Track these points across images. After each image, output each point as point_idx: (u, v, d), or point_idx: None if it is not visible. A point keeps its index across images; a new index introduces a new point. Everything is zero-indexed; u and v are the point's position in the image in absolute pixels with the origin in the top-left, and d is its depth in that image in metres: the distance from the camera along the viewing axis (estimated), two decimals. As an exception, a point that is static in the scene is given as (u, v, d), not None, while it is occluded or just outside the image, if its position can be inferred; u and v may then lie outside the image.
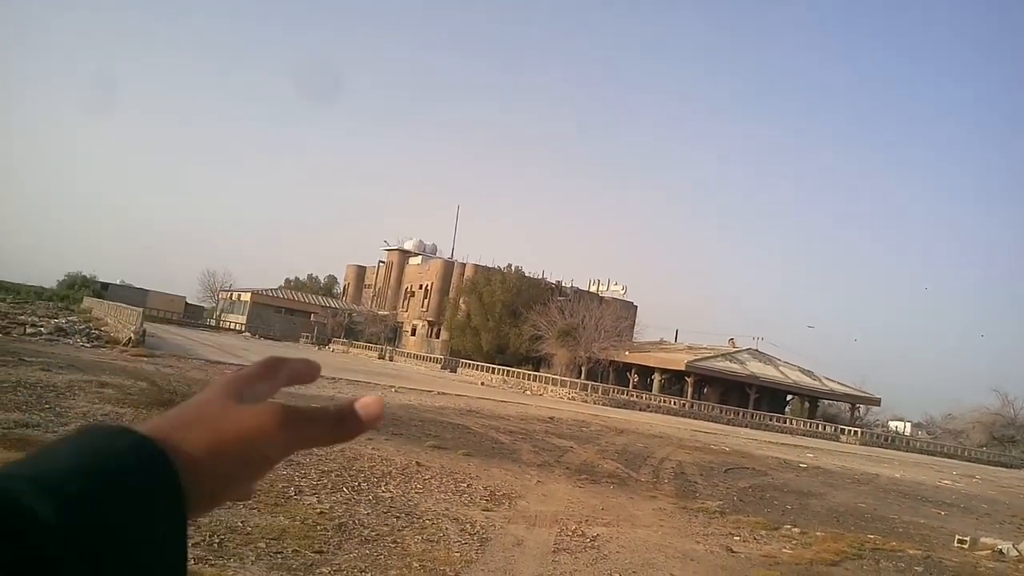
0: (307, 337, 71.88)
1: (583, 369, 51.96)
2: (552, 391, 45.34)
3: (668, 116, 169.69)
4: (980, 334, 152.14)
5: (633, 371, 56.97)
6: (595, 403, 42.47)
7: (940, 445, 52.95)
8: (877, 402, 60.16)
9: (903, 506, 16.12)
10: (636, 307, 69.90)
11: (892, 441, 51.11)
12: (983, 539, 12.00)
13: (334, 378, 26.55)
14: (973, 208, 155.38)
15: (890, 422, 66.56)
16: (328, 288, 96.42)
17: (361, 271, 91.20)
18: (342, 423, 0.52)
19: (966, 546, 11.40)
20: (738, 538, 9.44)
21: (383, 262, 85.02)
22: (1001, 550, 11.27)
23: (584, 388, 45.76)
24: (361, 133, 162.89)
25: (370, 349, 65.02)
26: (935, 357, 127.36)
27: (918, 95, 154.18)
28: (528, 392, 44.62)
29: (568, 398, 43.38)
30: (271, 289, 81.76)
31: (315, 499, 7.75)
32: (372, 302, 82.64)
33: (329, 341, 70.85)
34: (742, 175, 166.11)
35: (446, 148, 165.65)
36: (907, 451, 47.00)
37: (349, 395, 0.56)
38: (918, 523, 13.63)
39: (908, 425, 66.35)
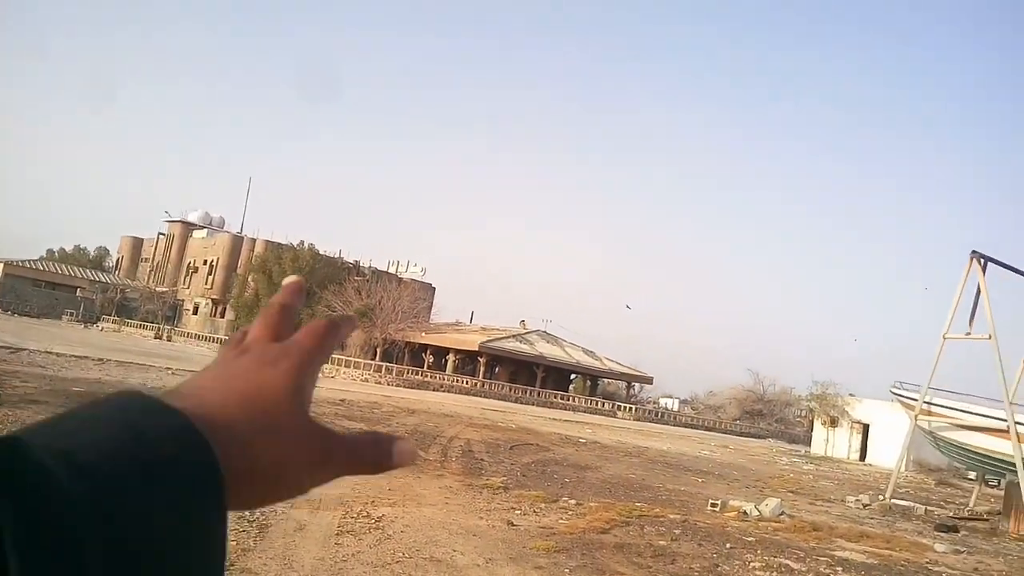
0: (72, 314, 65.15)
1: (378, 350, 51.57)
2: (345, 373, 44.67)
3: (468, 93, 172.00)
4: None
5: (428, 352, 57.45)
6: (389, 384, 42.39)
7: (702, 419, 58.53)
8: (650, 380, 65.40)
9: (667, 475, 17.67)
10: (434, 288, 70.49)
11: (662, 416, 55.80)
12: (731, 502, 13.47)
13: (101, 359, 24.39)
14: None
15: (661, 399, 72.51)
16: (98, 261, 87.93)
17: (138, 243, 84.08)
18: (378, 465, 0.48)
19: (717, 509, 12.75)
20: (519, 512, 9.88)
21: (163, 234, 78.85)
22: (745, 511, 12.74)
23: (379, 369, 45.50)
24: (140, 89, 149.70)
25: (146, 328, 60.27)
26: (700, 340, 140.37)
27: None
28: (320, 374, 43.54)
29: (362, 380, 42.94)
30: (29, 260, 72.93)
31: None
32: (149, 277, 76.54)
33: (98, 319, 64.80)
34: (540, 160, 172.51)
35: (240, 113, 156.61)
36: (675, 425, 51.51)
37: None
38: (679, 490, 15.01)
39: (676, 401, 72.65)
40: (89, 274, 75.37)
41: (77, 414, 0.37)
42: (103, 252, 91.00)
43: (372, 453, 0.48)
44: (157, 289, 71.80)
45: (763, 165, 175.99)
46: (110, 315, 66.20)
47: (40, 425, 0.35)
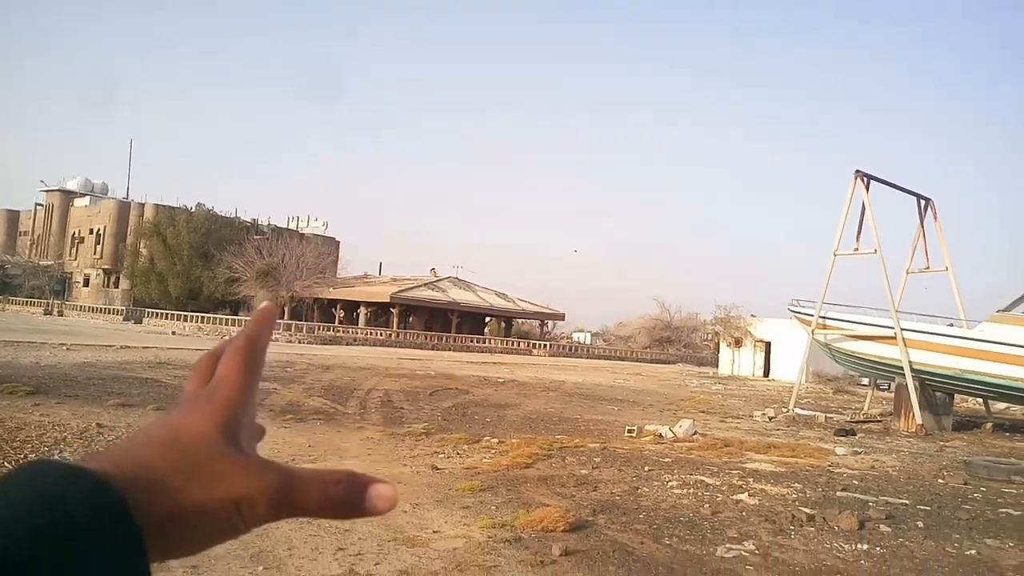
0: (-56, 296, 60.79)
1: (286, 309, 50.37)
2: (254, 334, 43.50)
3: (375, 41, 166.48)
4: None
5: (339, 307, 56.58)
6: (300, 342, 41.60)
7: (614, 350, 60.19)
8: (562, 317, 66.56)
9: (584, 407, 18.11)
10: (339, 243, 69.04)
11: (576, 351, 57.11)
12: (647, 427, 13.95)
13: (-14, 341, 22.87)
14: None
15: (574, 334, 74.03)
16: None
17: (13, 216, 78.56)
18: (344, 506, 0.43)
19: (634, 434, 13.18)
20: (442, 455, 9.93)
21: (41, 205, 73.87)
22: (661, 434, 13.22)
23: (288, 328, 44.53)
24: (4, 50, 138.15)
25: (33, 305, 56.90)
26: (608, 273, 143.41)
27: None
28: (226, 338, 42.19)
29: (271, 339, 41.90)
30: None
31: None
32: (31, 251, 71.84)
33: (-23, 299, 60.66)
34: (445, 110, 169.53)
35: (112, 71, 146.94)
36: (588, 358, 52.79)
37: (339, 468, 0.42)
38: (597, 420, 15.42)
39: (588, 335, 74.35)
40: (-37, 253, 70.20)
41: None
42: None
43: (339, 494, 0.43)
44: (41, 263, 67.61)
45: (652, 89, 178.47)
46: (-9, 294, 62.11)
47: None
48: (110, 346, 25.38)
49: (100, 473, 0.37)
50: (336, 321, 54.67)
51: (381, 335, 48.46)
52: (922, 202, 20.72)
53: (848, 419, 18.90)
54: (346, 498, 0.43)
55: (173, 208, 59.92)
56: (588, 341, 69.16)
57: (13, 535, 0.32)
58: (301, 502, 0.42)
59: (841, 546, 6.65)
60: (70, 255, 69.35)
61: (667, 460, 10.65)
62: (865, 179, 19.26)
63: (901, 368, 17.87)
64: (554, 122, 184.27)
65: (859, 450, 13.22)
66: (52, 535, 0.33)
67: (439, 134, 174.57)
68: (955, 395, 18.83)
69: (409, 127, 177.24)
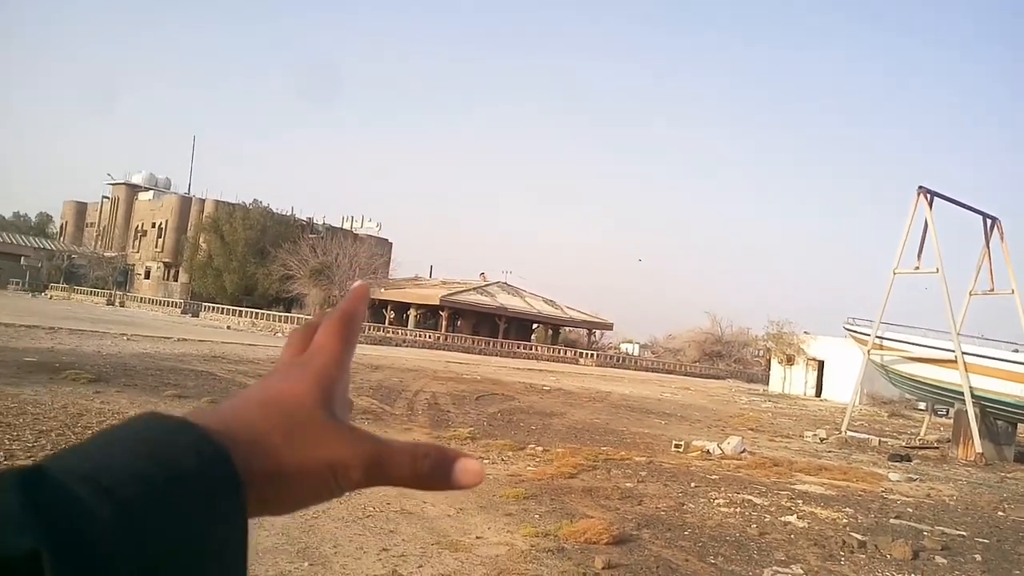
0: (17, 284, 63.20)
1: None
2: (305, 332, 44.21)
3: (430, 50, 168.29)
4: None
5: (389, 307, 57.19)
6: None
7: (662, 363, 59.52)
8: (610, 326, 66.18)
9: (631, 419, 17.96)
10: (391, 244, 69.84)
11: (623, 361, 56.65)
12: (695, 442, 13.76)
13: (53, 328, 23.74)
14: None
15: (622, 344, 73.51)
16: (41, 227, 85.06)
17: (82, 208, 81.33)
18: (431, 478, 0.45)
19: (681, 449, 13.01)
20: (487, 460, 9.95)
21: (107, 198, 76.40)
22: (708, 450, 13.03)
23: (338, 327, 45.08)
24: (75, 50, 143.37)
25: (96, 295, 58.79)
26: (659, 285, 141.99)
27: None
28: (279, 335, 43.05)
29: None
30: (-35, 229, 70.18)
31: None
32: (96, 243, 74.34)
33: (46, 287, 62.96)
34: (499, 116, 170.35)
35: (181, 74, 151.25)
36: (636, 370, 52.34)
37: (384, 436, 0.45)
38: (643, 433, 15.27)
39: (636, 346, 73.73)
40: (33, 241, 72.90)
41: (95, 439, 0.37)
42: (45, 218, 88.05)
43: (427, 468, 0.45)
44: (105, 254, 69.89)
45: (714, 113, 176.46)
46: (58, 283, 64.35)
47: (61, 452, 0.36)
48: (168, 338, 26.07)
49: (205, 427, 0.39)
50: (386, 322, 55.27)
51: (430, 337, 48.79)
52: (988, 221, 20.03)
53: (903, 444, 18.35)
54: (433, 471, 0.44)
55: (232, 205, 61.34)
56: (636, 352, 68.58)
57: (121, 479, 0.34)
58: (391, 472, 0.44)
59: (893, 575, 6.45)
60: (133, 247, 71.56)
61: (714, 477, 10.49)
62: (928, 196, 18.72)
63: (961, 393, 17.28)
64: (616, 134, 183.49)
65: (914, 477, 12.83)
66: (157, 481, 0.34)
67: (495, 140, 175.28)
68: (1018, 424, 18.12)
69: (468, 131, 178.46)
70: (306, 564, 5.08)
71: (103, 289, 61.61)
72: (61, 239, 79.03)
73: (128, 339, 23.47)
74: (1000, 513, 10.23)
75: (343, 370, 0.48)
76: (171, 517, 0.34)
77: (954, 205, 19.53)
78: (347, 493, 0.45)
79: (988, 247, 20.17)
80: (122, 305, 55.22)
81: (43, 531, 0.30)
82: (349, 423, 0.46)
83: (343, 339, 0.48)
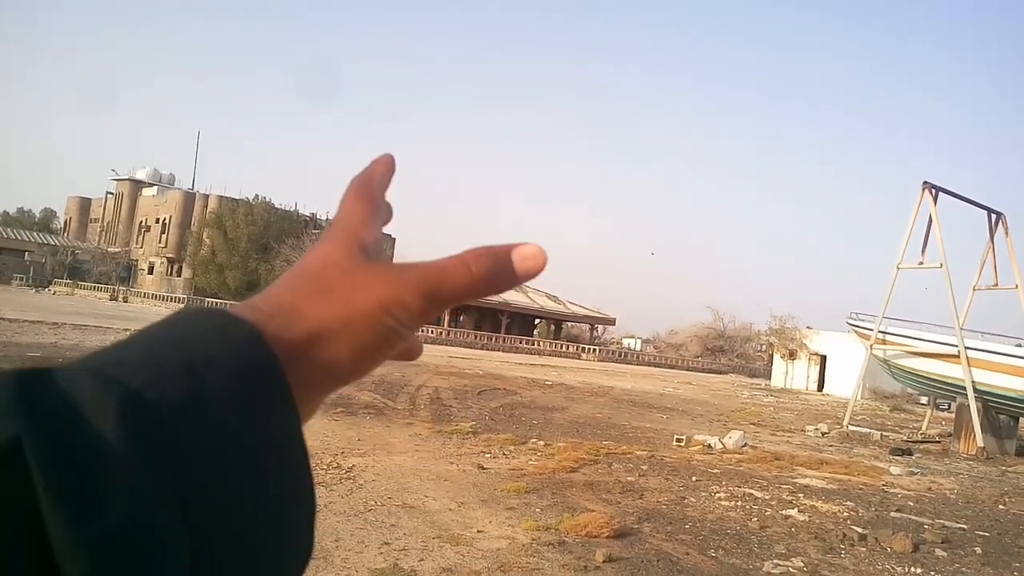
0: (21, 279, 63.34)
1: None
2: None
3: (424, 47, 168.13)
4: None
5: (391, 303, 57.12)
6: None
7: (664, 358, 59.54)
8: (612, 322, 66.13)
9: (633, 413, 17.98)
10: (395, 239, 69.80)
11: (625, 356, 56.67)
12: (696, 437, 13.77)
13: (56, 323, 23.82)
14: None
15: (624, 339, 73.50)
16: (45, 223, 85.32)
17: (85, 203, 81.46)
18: (494, 278, 0.40)
19: (682, 444, 13.03)
20: (489, 455, 9.98)
21: (111, 193, 76.48)
22: (710, 444, 13.05)
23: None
24: (76, 46, 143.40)
25: (100, 290, 58.92)
26: (661, 281, 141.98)
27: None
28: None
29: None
30: (-31, 225, 70.31)
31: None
32: (100, 238, 74.43)
33: (50, 282, 63.12)
34: (502, 114, 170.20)
35: (185, 70, 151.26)
36: (638, 364, 52.38)
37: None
38: (645, 427, 15.30)
39: (639, 341, 73.74)
40: (37, 237, 73.06)
41: (121, 341, 0.35)
42: (50, 214, 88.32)
43: (484, 268, 0.39)
44: (109, 250, 69.98)
45: (715, 109, 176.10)
46: (62, 278, 64.48)
47: (84, 356, 0.33)
48: (171, 333, 26.08)
49: (232, 312, 0.36)
50: (388, 317, 55.24)
51: (432, 332, 48.82)
52: (993, 216, 19.98)
53: (905, 438, 18.36)
54: (493, 267, 0.40)
55: (236, 200, 61.37)
56: (638, 347, 68.57)
57: (132, 368, 0.31)
58: (449, 288, 0.40)
59: (893, 568, 6.47)
60: (137, 243, 71.65)
61: (715, 471, 10.51)
62: (933, 191, 18.68)
63: (963, 388, 17.28)
64: (611, 129, 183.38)
65: (915, 471, 12.84)
66: (175, 368, 0.32)
67: (498, 131, 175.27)
68: (1020, 419, 18.11)
69: (472, 129, 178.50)
70: (308, 557, 5.11)
71: (107, 284, 61.73)
72: (65, 235, 79.22)
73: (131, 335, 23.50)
74: (1001, 506, 10.24)
75: (371, 228, 0.44)
76: (191, 405, 0.31)
77: (959, 200, 19.50)
78: (414, 327, 0.40)
79: (992, 242, 20.13)
80: (125, 301, 55.37)
81: (26, 417, 0.28)
82: (389, 263, 0.42)
83: (366, 200, 0.46)
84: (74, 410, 0.29)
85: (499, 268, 0.40)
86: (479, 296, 0.40)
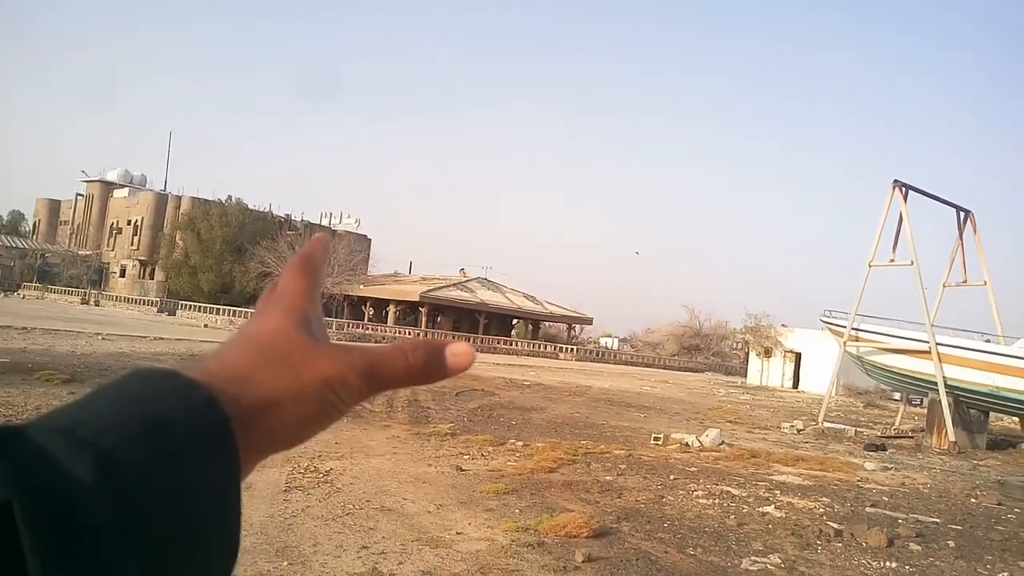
0: (-12, 283, 62.23)
1: (316, 305, 50.69)
2: (284, 329, 43.96)
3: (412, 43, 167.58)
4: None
5: (368, 304, 56.88)
6: (329, 339, 41.91)
7: (641, 356, 59.77)
8: (590, 321, 66.22)
9: (611, 413, 18.04)
10: (370, 240, 69.51)
11: (603, 356, 56.82)
12: (673, 435, 13.85)
13: (26, 328, 23.40)
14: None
15: (601, 339, 73.70)
16: (14, 226, 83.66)
17: (55, 205, 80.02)
18: (426, 369, 0.45)
19: (660, 442, 13.09)
20: (467, 457, 9.96)
21: (81, 195, 75.27)
22: (687, 443, 13.12)
23: (317, 324, 44.87)
24: (45, 46, 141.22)
25: (71, 294, 58.05)
26: (638, 283, 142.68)
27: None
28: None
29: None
30: (-66, 228, 68.83)
31: None
32: (70, 241, 73.28)
33: (18, 287, 62.06)
34: (479, 114, 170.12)
35: (156, 71, 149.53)
36: (615, 364, 52.52)
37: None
38: (623, 426, 15.35)
39: (616, 340, 73.96)
40: (5, 240, 71.72)
41: (88, 394, 0.37)
42: (18, 216, 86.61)
43: (420, 359, 0.44)
44: (80, 252, 68.94)
45: (691, 103, 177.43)
46: (31, 282, 63.42)
47: (48, 412, 0.35)
48: (144, 337, 25.80)
49: (185, 375, 0.38)
50: (365, 319, 54.98)
51: (409, 334, 48.62)
52: (962, 214, 20.32)
53: (879, 434, 18.59)
54: (427, 359, 0.44)
55: (209, 202, 60.68)
56: (615, 346, 68.80)
57: (99, 430, 0.33)
58: (387, 373, 0.44)
59: (869, 563, 6.54)
60: (108, 246, 70.59)
61: (693, 469, 10.57)
62: (903, 189, 18.95)
63: (935, 383, 17.54)
64: (582, 128, 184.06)
65: (889, 466, 13.01)
66: (138, 429, 0.34)
67: (473, 133, 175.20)
68: (990, 413, 18.42)
69: (447, 125, 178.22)
70: (285, 563, 5.06)
71: (77, 288, 60.82)
72: (34, 237, 77.80)
73: (103, 338, 23.19)
74: (972, 500, 10.40)
75: (313, 302, 0.48)
76: (156, 463, 0.34)
77: (928, 198, 19.80)
78: (352, 406, 0.45)
79: (962, 239, 20.47)
80: (97, 304, 54.55)
81: (13, 480, 0.29)
82: (332, 342, 0.46)
83: (306, 275, 0.49)
84: (54, 473, 0.31)
85: (432, 360, 0.45)
86: (414, 384, 0.45)
